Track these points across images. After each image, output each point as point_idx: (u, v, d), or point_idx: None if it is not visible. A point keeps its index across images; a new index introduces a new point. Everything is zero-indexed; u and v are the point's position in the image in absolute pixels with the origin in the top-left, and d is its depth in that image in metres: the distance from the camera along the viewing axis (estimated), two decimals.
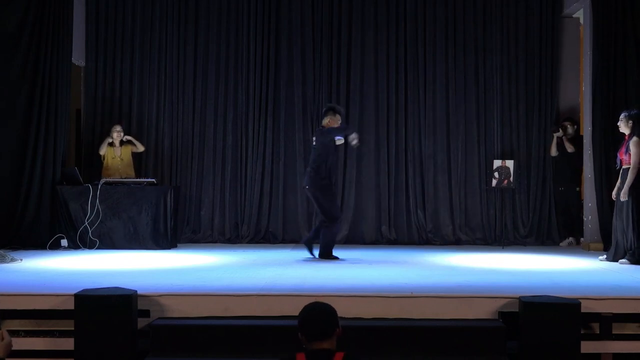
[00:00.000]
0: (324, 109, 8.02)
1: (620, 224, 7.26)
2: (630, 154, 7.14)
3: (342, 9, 9.92)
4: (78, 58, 9.82)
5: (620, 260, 7.24)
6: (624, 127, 7.32)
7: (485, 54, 9.87)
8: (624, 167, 7.27)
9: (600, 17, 8.84)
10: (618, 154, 7.41)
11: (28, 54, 8.71)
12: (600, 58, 8.81)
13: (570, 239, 9.60)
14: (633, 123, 7.22)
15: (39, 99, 8.73)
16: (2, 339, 3.05)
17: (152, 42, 9.98)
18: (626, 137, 7.30)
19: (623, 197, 7.12)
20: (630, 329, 5.11)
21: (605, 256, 7.56)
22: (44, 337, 5.06)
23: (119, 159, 9.37)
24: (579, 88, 9.96)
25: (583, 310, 4.87)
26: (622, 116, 7.36)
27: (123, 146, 9.43)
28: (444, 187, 9.83)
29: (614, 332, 5.04)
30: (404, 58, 9.89)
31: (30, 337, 5.08)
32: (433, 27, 9.87)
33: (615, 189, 7.39)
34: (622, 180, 7.27)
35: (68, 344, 4.89)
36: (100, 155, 9.42)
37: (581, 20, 9.80)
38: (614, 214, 7.41)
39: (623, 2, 8.78)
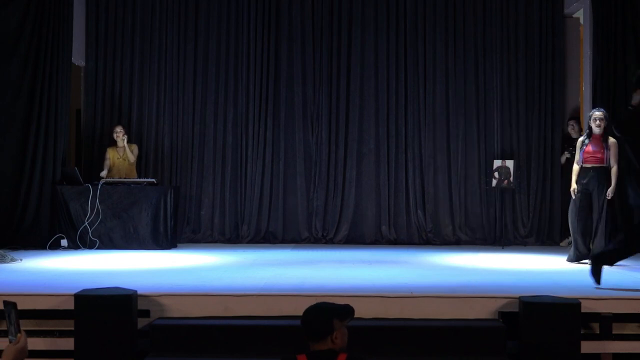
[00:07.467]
0: None
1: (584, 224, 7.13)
2: (612, 154, 7.02)
3: (342, 9, 9.91)
4: (78, 58, 9.81)
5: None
6: (601, 127, 7.06)
7: (485, 54, 9.87)
8: (595, 165, 7.09)
9: (600, 17, 8.84)
10: (582, 153, 7.12)
11: (28, 54, 8.70)
12: (600, 58, 8.81)
13: (570, 237, 9.58)
14: (607, 122, 7.08)
15: (39, 99, 8.72)
16: (18, 341, 2.88)
17: (152, 42, 9.98)
18: (598, 136, 7.11)
19: (609, 194, 7.03)
20: (630, 329, 5.12)
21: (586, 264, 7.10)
22: (44, 337, 5.06)
23: (122, 159, 9.34)
24: (579, 88, 9.96)
25: (583, 310, 4.87)
26: (601, 115, 7.09)
27: (126, 146, 9.37)
28: (444, 187, 9.82)
29: (614, 332, 5.04)
30: (404, 58, 9.88)
31: (30, 337, 5.03)
32: (433, 27, 9.86)
33: (580, 186, 7.15)
34: (592, 178, 7.06)
35: (68, 344, 4.89)
36: (104, 159, 9.37)
37: (581, 20, 9.79)
38: (576, 213, 7.23)
39: (623, 2, 8.78)
